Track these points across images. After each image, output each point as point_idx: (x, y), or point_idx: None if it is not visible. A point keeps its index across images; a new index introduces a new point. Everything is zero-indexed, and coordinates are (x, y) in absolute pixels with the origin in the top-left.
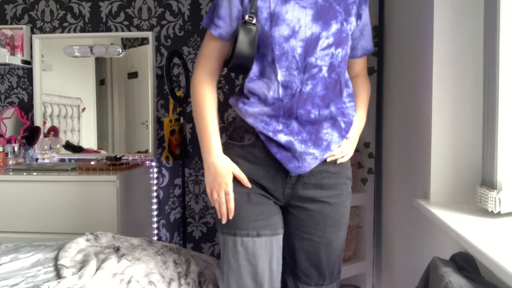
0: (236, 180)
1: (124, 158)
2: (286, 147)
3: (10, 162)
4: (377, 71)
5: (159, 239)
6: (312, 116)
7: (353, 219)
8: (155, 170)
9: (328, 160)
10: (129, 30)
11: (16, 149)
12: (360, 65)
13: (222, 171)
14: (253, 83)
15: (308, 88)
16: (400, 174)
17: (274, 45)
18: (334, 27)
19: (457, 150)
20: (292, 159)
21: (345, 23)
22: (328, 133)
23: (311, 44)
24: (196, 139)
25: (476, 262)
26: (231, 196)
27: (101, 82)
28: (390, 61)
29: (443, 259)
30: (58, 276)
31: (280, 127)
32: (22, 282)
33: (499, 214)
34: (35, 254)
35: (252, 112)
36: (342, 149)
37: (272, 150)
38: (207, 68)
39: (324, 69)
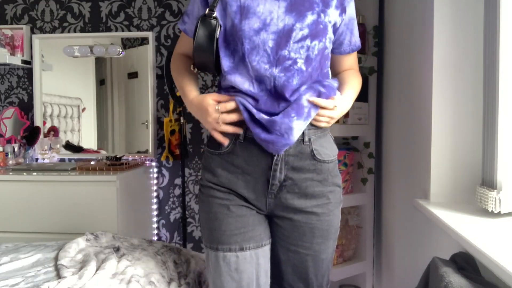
0: (215, 191)
1: (124, 158)
2: (267, 127)
3: (10, 162)
4: (377, 71)
5: (159, 239)
6: (293, 99)
7: (353, 219)
8: (155, 170)
9: (316, 102)
10: (129, 30)
11: (16, 149)
12: (349, 62)
13: (201, 102)
14: (227, 80)
15: (282, 80)
16: (400, 174)
17: (244, 39)
18: (310, 18)
19: (457, 150)
20: (278, 137)
21: (322, 15)
22: (307, 99)
23: (283, 37)
24: (196, 139)
25: (476, 262)
26: (223, 116)
27: (101, 82)
28: (390, 61)
29: (443, 259)
30: (58, 276)
31: (266, 114)
32: (22, 282)
33: (499, 214)
34: (35, 254)
35: (236, 94)
36: (335, 102)
37: (255, 130)
38: (180, 53)
39: (300, 61)
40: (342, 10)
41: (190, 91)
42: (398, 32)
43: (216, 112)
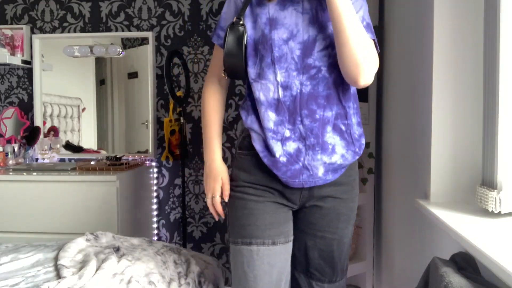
0: (251, 189)
1: (124, 158)
2: (294, 157)
3: (10, 162)
4: (377, 71)
5: (159, 239)
6: (317, 116)
7: None
8: (155, 170)
9: None
10: (129, 30)
11: (16, 149)
12: None
13: (213, 174)
14: (252, 86)
15: (308, 88)
16: (400, 174)
17: (273, 47)
18: (331, 28)
19: (457, 150)
20: (303, 170)
21: None
22: (331, 137)
23: (308, 46)
24: (196, 139)
25: (476, 262)
26: (217, 200)
27: (101, 82)
28: (390, 61)
29: (443, 259)
30: (58, 276)
31: (288, 133)
32: (22, 282)
33: (499, 214)
34: (35, 254)
35: (259, 122)
36: None
37: (281, 170)
38: (214, 76)
39: (324, 69)
40: None
41: (214, 150)
42: (398, 32)
43: (210, 192)
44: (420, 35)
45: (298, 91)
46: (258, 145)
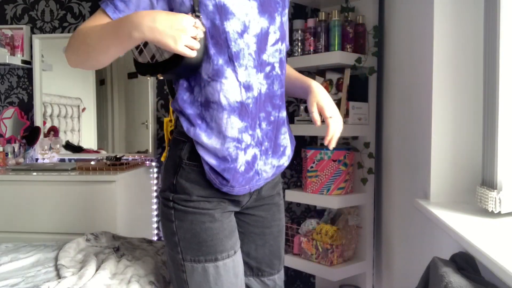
0: (207, 201)
1: (124, 158)
2: (250, 165)
3: (10, 162)
4: (377, 71)
5: (159, 239)
6: (272, 118)
7: (353, 219)
8: (155, 170)
9: (326, 143)
10: None
11: (16, 149)
12: None
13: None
14: (209, 87)
15: (265, 88)
16: (400, 174)
17: (229, 42)
18: (278, 20)
19: (457, 150)
20: (254, 175)
21: (281, 16)
22: (285, 138)
23: (262, 40)
24: None
25: (476, 262)
26: (198, 23)
27: (101, 82)
28: (390, 61)
29: (443, 259)
30: (58, 276)
31: (249, 140)
32: (22, 282)
33: (499, 214)
34: (35, 254)
35: (213, 131)
36: (333, 128)
37: (238, 181)
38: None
39: (277, 66)
40: (286, 11)
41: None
42: (398, 32)
43: (184, 23)
44: (420, 35)
45: (259, 91)
46: (212, 159)
